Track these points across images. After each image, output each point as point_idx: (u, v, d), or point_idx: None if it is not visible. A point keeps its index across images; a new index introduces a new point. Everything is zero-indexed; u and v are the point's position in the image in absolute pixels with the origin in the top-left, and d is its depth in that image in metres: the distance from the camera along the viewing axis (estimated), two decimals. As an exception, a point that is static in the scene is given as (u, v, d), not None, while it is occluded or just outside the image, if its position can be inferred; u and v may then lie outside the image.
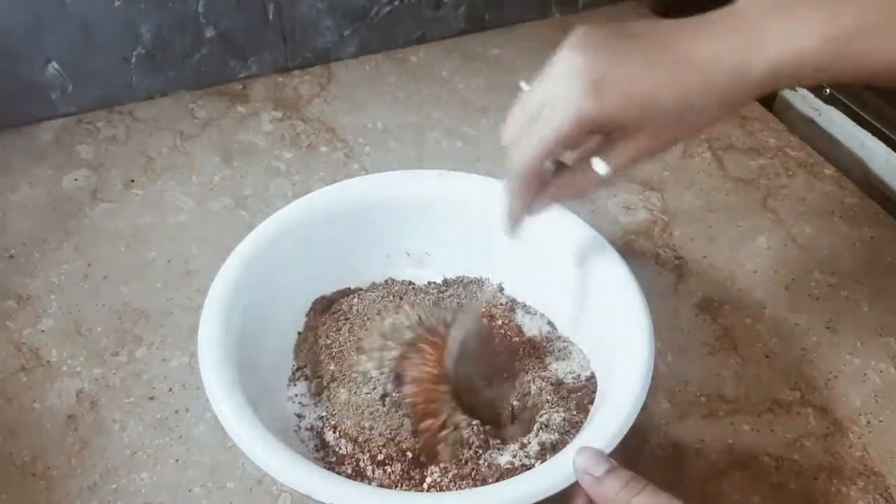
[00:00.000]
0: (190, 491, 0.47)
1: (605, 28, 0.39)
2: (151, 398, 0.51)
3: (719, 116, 0.39)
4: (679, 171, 0.71)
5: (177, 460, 0.48)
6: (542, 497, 0.37)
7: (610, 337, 0.46)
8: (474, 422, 0.44)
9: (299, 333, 0.51)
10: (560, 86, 0.38)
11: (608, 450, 0.39)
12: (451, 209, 0.54)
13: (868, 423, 0.52)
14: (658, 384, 0.53)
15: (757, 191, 0.69)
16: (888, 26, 0.37)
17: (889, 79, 0.39)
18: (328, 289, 0.54)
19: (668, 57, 0.37)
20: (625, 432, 0.39)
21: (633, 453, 0.49)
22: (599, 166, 0.40)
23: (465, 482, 0.42)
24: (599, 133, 0.39)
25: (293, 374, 0.49)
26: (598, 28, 0.39)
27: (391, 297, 0.53)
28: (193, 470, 0.48)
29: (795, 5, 0.38)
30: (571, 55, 0.38)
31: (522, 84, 0.40)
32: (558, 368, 0.49)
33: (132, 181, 0.67)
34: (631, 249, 0.63)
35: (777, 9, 0.38)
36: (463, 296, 0.54)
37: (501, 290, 0.55)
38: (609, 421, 0.40)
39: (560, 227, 0.51)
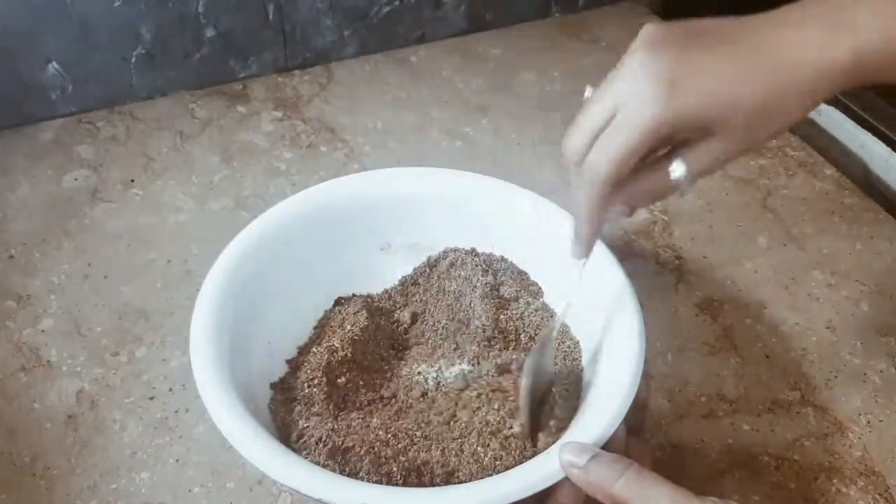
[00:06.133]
0: (190, 491, 0.47)
1: (674, 24, 0.36)
2: (151, 398, 0.51)
3: (801, 116, 0.36)
4: (679, 171, 0.71)
5: (177, 460, 0.48)
6: (529, 493, 0.37)
7: (602, 337, 0.46)
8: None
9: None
10: (632, 88, 0.35)
11: (598, 446, 0.39)
12: (446, 205, 0.54)
13: (868, 423, 0.52)
14: (658, 384, 0.53)
15: (757, 191, 0.69)
16: None
17: None
18: (320, 285, 0.53)
19: (747, 50, 0.35)
20: (612, 431, 0.39)
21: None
22: (678, 170, 0.37)
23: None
24: (678, 136, 0.37)
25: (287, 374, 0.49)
26: (668, 25, 0.36)
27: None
28: (193, 470, 0.48)
29: None
30: (642, 55, 0.35)
31: (587, 90, 0.37)
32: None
33: (132, 181, 0.67)
34: (631, 249, 0.63)
35: None
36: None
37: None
38: (597, 419, 0.40)
39: (552, 224, 0.51)
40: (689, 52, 0.35)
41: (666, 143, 0.37)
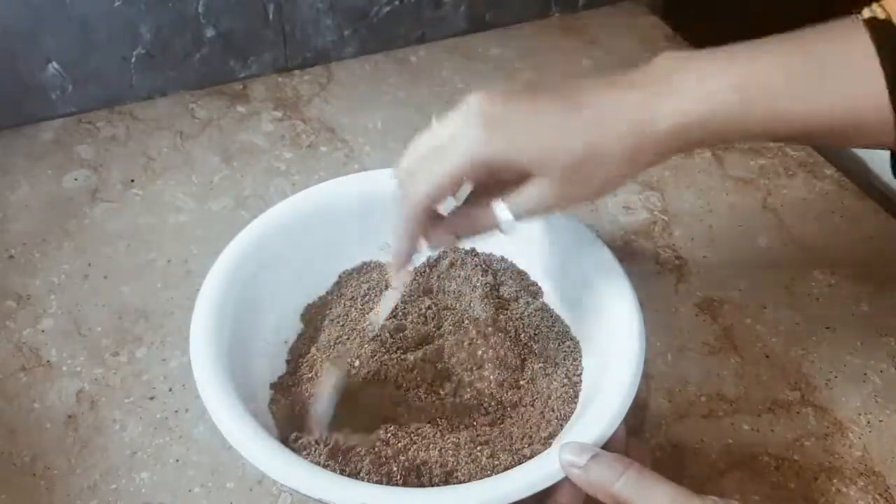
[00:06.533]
0: (190, 491, 0.47)
1: (522, 86, 0.40)
2: (151, 398, 0.51)
3: (625, 172, 0.39)
4: (679, 171, 0.71)
5: (177, 460, 0.48)
6: (529, 493, 0.37)
7: (602, 337, 0.46)
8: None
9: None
10: (461, 124, 0.38)
11: (598, 446, 0.39)
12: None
13: (868, 423, 0.52)
14: (658, 384, 0.53)
15: (757, 191, 0.69)
16: (806, 83, 0.37)
17: (807, 136, 0.39)
18: (320, 285, 0.53)
19: (572, 106, 0.38)
20: (612, 431, 0.39)
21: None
22: (499, 209, 0.40)
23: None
24: (499, 176, 0.39)
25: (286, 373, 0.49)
26: (515, 87, 0.40)
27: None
28: (193, 470, 0.48)
29: (707, 59, 0.38)
30: (477, 98, 0.38)
31: (433, 119, 0.40)
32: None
33: (132, 181, 0.67)
34: (631, 249, 0.63)
35: (688, 63, 0.38)
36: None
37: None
38: (597, 419, 0.40)
39: (553, 224, 0.51)
40: (521, 102, 0.38)
41: (493, 182, 0.40)
